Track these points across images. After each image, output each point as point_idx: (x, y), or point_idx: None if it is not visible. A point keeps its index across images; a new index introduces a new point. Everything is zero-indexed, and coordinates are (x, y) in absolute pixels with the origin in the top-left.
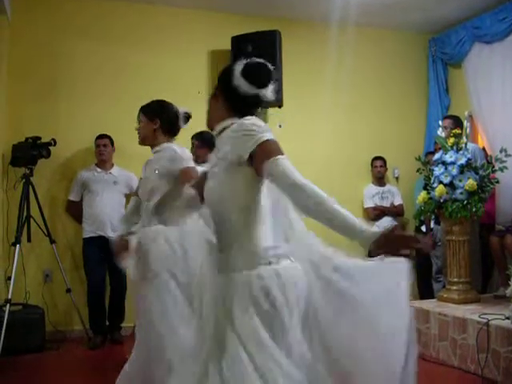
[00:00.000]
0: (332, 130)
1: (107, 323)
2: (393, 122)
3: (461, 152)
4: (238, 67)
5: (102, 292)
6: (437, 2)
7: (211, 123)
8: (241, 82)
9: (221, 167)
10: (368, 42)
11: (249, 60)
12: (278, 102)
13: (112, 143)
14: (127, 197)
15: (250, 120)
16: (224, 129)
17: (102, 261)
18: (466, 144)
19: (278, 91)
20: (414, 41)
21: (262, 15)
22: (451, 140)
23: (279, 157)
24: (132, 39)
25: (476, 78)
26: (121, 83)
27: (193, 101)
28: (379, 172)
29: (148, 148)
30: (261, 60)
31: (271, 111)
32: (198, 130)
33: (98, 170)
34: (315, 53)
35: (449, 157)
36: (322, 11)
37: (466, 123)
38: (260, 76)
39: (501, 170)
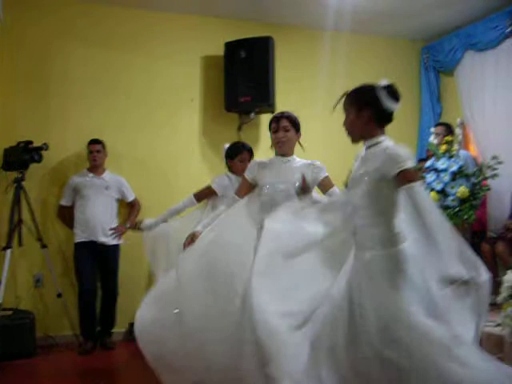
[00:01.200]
0: (325, 136)
1: (98, 329)
2: (386, 131)
3: (453, 159)
4: (383, 89)
5: (93, 297)
6: (429, 9)
7: (357, 137)
8: (389, 102)
9: (368, 178)
10: (361, 49)
11: (389, 83)
12: (271, 108)
13: (104, 148)
14: (118, 202)
15: (397, 148)
16: (375, 144)
17: (93, 266)
18: (457, 151)
19: (271, 97)
20: (406, 48)
21: (255, 21)
22: (443, 147)
23: (414, 184)
24: (126, 45)
25: (468, 86)
26: (114, 88)
27: (186, 106)
28: None
29: (140, 152)
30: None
31: (264, 117)
32: (188, 134)
33: (90, 174)
34: (308, 59)
35: (441, 164)
36: (316, 18)
37: (457, 130)
38: (398, 95)
39: (492, 177)
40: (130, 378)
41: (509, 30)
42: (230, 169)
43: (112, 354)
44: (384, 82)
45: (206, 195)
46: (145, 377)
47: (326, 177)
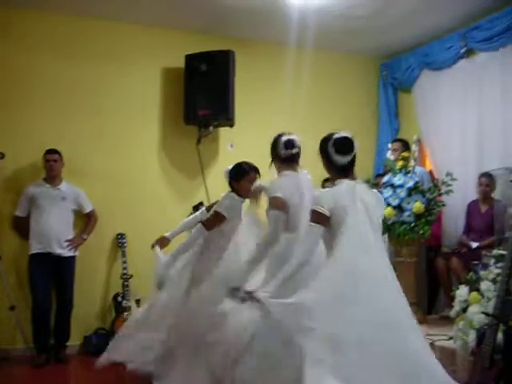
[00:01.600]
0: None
1: (52, 342)
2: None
3: (409, 175)
4: (333, 142)
5: (47, 309)
6: (389, 28)
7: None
8: (335, 156)
9: None
10: (322, 64)
11: (341, 136)
12: (230, 121)
13: (61, 158)
14: (75, 213)
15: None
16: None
17: (47, 278)
18: (413, 167)
19: (230, 111)
20: (366, 65)
21: (216, 35)
22: (400, 163)
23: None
24: (87, 54)
25: (424, 104)
26: (72, 98)
27: (145, 118)
28: None
29: (99, 165)
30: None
31: (223, 131)
32: (147, 146)
33: (47, 185)
34: (269, 74)
35: (397, 179)
36: (277, 33)
37: (414, 147)
38: (346, 149)
39: (447, 193)
40: None
41: (463, 50)
42: (236, 191)
43: (66, 367)
44: (337, 135)
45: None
46: None
47: None
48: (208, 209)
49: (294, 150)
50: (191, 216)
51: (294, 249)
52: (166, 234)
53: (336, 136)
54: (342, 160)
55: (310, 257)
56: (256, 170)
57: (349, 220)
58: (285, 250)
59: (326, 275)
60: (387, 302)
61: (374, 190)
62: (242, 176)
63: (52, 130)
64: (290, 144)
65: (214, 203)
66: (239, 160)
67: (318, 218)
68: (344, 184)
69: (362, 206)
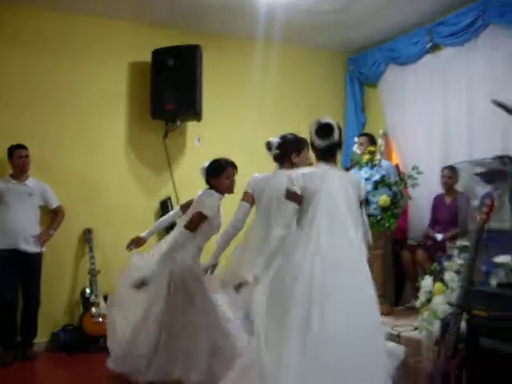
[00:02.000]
0: (252, 144)
1: (18, 339)
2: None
3: (375, 169)
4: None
5: (14, 306)
6: (356, 23)
7: None
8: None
9: None
10: (290, 59)
11: (322, 122)
12: (197, 116)
13: (29, 154)
14: (41, 209)
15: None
16: None
17: (14, 273)
18: (379, 161)
19: (198, 105)
20: (333, 60)
21: (184, 29)
22: (366, 157)
23: None
24: (54, 48)
25: (390, 98)
26: (39, 92)
27: (112, 112)
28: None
29: (65, 160)
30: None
31: (190, 125)
32: (113, 141)
33: (13, 181)
34: (237, 68)
35: (364, 173)
36: (245, 28)
37: (380, 141)
38: (324, 134)
39: (412, 186)
40: None
41: (429, 45)
42: (214, 188)
43: (33, 364)
44: (321, 120)
45: (189, 205)
46: None
47: None
48: (183, 208)
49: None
50: (166, 216)
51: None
52: (142, 234)
53: (319, 120)
54: (321, 143)
55: (288, 231)
56: (233, 166)
57: (317, 204)
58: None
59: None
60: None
61: (352, 174)
62: (220, 172)
63: (17, 125)
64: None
65: (190, 202)
66: (206, 155)
67: (291, 196)
68: (318, 168)
69: (332, 190)
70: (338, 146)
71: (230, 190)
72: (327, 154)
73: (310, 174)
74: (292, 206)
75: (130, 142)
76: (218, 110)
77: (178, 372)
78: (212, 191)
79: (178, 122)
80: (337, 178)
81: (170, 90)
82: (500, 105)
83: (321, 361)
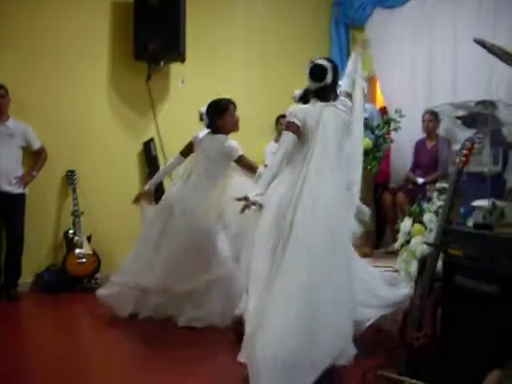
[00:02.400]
0: (236, 87)
1: (3, 280)
2: (295, 83)
3: None
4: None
5: None
6: None
7: None
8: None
9: None
10: (273, 2)
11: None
12: (181, 57)
13: (7, 94)
14: (24, 150)
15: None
16: None
17: None
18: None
19: (181, 46)
20: (318, 3)
21: None
22: None
23: None
24: None
25: (376, 42)
26: (21, 36)
27: (94, 54)
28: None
29: (47, 101)
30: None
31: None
32: (96, 83)
33: None
34: (221, 10)
35: None
36: None
37: (363, 84)
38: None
39: (395, 130)
40: (38, 329)
41: None
42: (220, 128)
43: (18, 305)
44: (314, 61)
45: (190, 149)
46: (53, 326)
47: None
48: (184, 153)
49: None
50: (168, 163)
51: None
52: (146, 187)
53: (313, 61)
54: (312, 85)
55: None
56: (233, 103)
57: (315, 143)
58: None
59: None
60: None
61: (344, 104)
62: (224, 111)
63: (1, 67)
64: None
65: (189, 146)
66: (190, 96)
67: (292, 127)
68: (314, 105)
69: (326, 127)
70: (331, 87)
71: (236, 127)
72: (322, 94)
73: (310, 110)
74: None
75: (112, 84)
76: (202, 51)
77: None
78: (220, 136)
79: (162, 63)
80: (332, 116)
81: (154, 29)
82: (481, 43)
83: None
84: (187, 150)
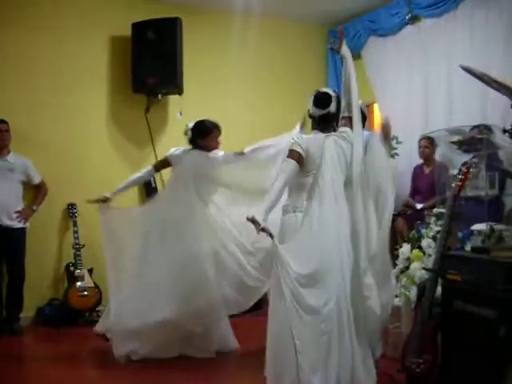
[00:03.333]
0: (232, 119)
1: (4, 314)
2: (293, 111)
3: None
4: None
5: None
6: None
7: None
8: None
9: None
10: (270, 32)
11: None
12: (178, 89)
13: (9, 129)
14: (24, 184)
15: None
16: None
17: None
18: None
19: (179, 79)
20: (314, 32)
21: (164, 2)
22: None
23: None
24: (32, 24)
25: (371, 70)
26: (18, 66)
27: (93, 87)
28: None
29: (47, 135)
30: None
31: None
32: (95, 115)
33: None
34: (217, 41)
35: None
36: (224, 0)
37: None
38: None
39: (392, 156)
40: (40, 363)
41: (408, 16)
42: (202, 147)
43: (20, 339)
44: (320, 90)
45: (164, 165)
46: (55, 361)
47: None
48: (157, 167)
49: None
50: (138, 174)
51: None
52: (109, 194)
53: (318, 90)
54: (316, 112)
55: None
56: (218, 128)
57: (323, 173)
58: None
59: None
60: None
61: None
62: (207, 133)
63: None
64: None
65: (164, 161)
66: None
67: (294, 155)
68: (316, 135)
69: (331, 157)
70: (334, 116)
71: (214, 148)
72: (323, 123)
73: (313, 139)
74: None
75: (111, 117)
76: (199, 83)
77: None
78: (202, 152)
79: (160, 96)
80: (333, 146)
81: (151, 63)
82: (468, 70)
83: None
84: (161, 165)
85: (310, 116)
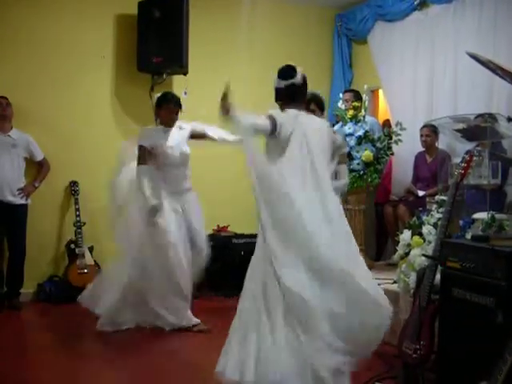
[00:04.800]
0: (239, 98)
1: (5, 289)
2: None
3: (359, 124)
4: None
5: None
6: None
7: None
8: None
9: None
10: (276, 15)
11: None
12: (183, 69)
13: (10, 105)
14: (26, 161)
15: None
16: None
17: None
18: (364, 117)
19: (184, 58)
20: (320, 16)
21: None
22: (350, 112)
23: None
24: (39, 3)
25: (378, 55)
26: (23, 44)
27: (97, 65)
28: None
29: (51, 113)
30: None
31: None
32: (100, 93)
33: None
34: (223, 22)
35: (347, 128)
36: None
37: (364, 97)
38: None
39: (396, 142)
40: (39, 338)
41: (416, 2)
42: (157, 118)
43: (20, 314)
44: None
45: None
46: (54, 336)
47: None
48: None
49: None
50: None
51: None
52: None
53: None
54: (278, 83)
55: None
56: (176, 104)
57: (289, 149)
58: None
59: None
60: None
61: (322, 120)
62: (161, 103)
63: (2, 78)
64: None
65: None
66: (193, 108)
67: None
68: (289, 112)
69: (303, 135)
70: (300, 89)
71: (166, 124)
72: (291, 97)
73: (285, 115)
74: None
75: (115, 95)
76: (204, 63)
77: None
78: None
79: (165, 75)
80: (309, 121)
81: (157, 42)
82: (474, 57)
83: None
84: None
85: (277, 92)
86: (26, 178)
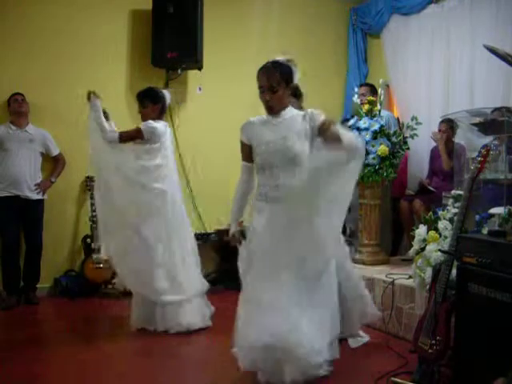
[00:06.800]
0: (252, 95)
1: (22, 284)
2: (312, 89)
3: (374, 118)
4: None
5: (16, 251)
6: None
7: (279, 110)
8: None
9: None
10: (292, 8)
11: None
12: (198, 64)
13: (27, 101)
14: (43, 156)
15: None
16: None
17: (16, 220)
18: (379, 111)
19: (199, 54)
20: (335, 9)
21: None
22: (366, 107)
23: None
24: None
25: (393, 49)
26: (37, 40)
27: (112, 60)
28: None
29: (66, 108)
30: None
31: (191, 74)
32: (114, 88)
33: (13, 127)
34: (238, 17)
35: (363, 123)
36: None
37: (380, 91)
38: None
39: (411, 137)
40: (55, 333)
41: None
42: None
43: (36, 308)
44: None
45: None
46: (70, 331)
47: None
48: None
49: None
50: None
51: None
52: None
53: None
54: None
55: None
56: (139, 98)
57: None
58: None
59: None
60: None
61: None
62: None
63: (16, 74)
64: None
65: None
66: (208, 103)
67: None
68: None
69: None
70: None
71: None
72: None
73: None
74: None
75: (131, 91)
76: (219, 58)
77: None
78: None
79: (179, 71)
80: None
81: (171, 37)
82: (491, 50)
83: None
84: None
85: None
86: (42, 173)
